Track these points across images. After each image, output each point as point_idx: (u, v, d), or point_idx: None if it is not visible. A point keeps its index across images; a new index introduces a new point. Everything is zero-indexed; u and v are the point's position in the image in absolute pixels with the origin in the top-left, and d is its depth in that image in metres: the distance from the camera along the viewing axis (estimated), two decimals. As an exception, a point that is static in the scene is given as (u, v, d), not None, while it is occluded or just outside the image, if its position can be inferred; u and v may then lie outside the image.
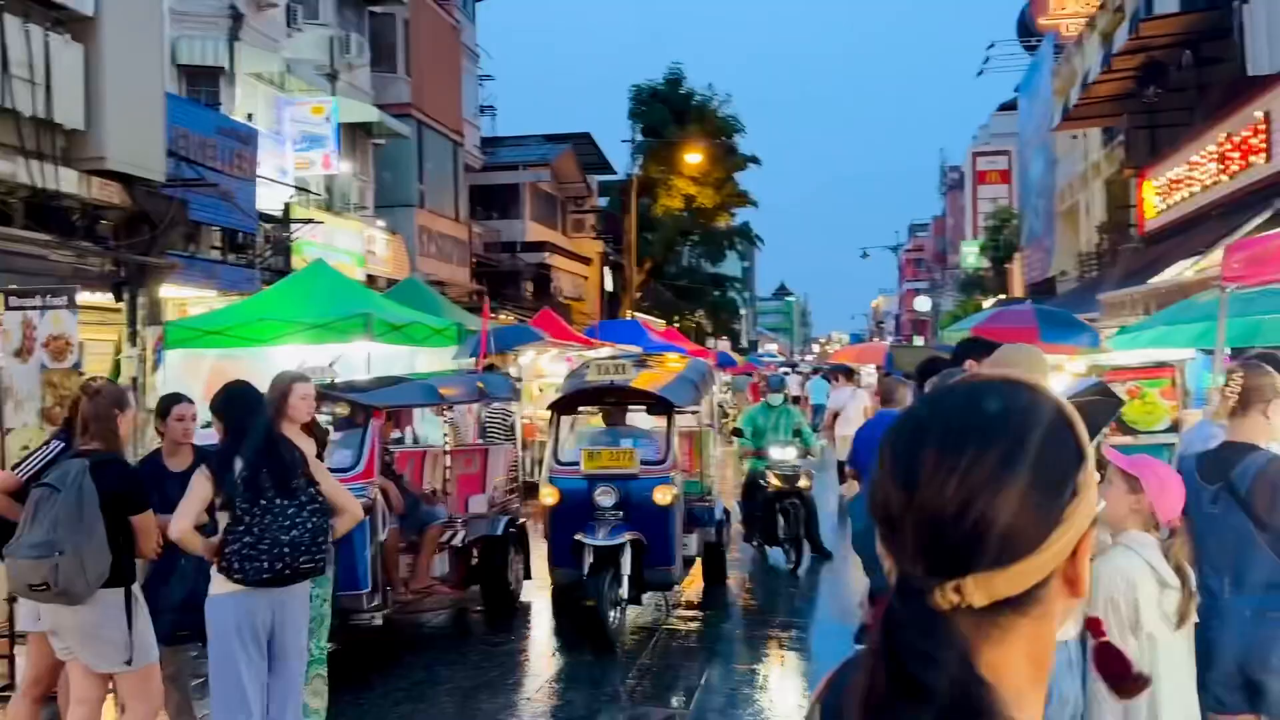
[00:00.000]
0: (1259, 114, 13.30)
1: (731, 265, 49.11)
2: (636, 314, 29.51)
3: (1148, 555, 3.09)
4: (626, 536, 6.95)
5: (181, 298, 15.18)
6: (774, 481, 9.60)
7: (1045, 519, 0.86)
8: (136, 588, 4.30)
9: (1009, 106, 44.78)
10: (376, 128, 22.56)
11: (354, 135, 22.28)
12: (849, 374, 17.11)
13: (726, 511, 9.14)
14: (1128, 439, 10.36)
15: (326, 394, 6.39)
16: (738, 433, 10.40)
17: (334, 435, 6.58)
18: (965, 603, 0.84)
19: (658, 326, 26.80)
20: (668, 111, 33.32)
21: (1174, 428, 9.93)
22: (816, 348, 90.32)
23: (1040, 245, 32.13)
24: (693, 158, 31.44)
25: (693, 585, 8.69)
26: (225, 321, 10.23)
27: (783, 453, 9.76)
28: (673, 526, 7.17)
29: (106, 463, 4.19)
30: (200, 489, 4.15)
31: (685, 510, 7.92)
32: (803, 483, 9.71)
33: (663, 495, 7.07)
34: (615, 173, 37.13)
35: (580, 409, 7.95)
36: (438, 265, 24.72)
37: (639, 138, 33.99)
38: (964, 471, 0.85)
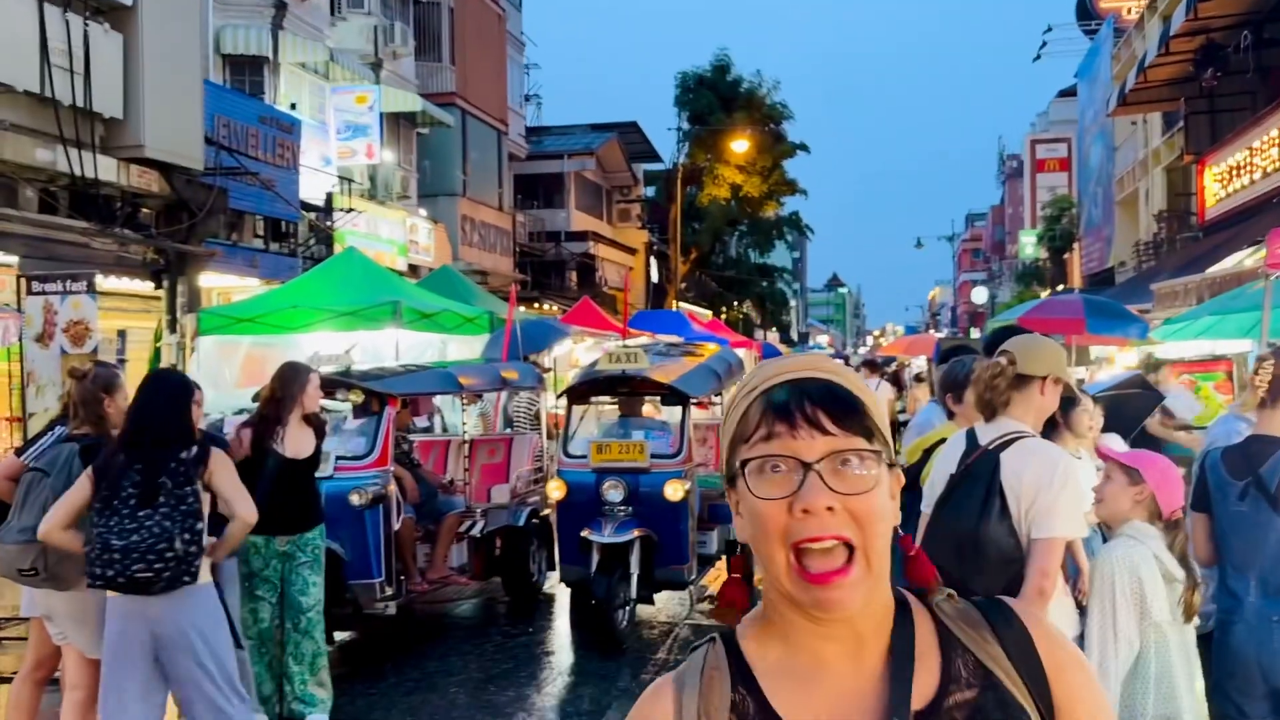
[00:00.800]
0: (1326, 96, 12.72)
1: (781, 256, 48.59)
2: (681, 304, 29.28)
3: (1153, 546, 2.94)
4: (635, 533, 6.69)
5: (224, 286, 15.32)
6: None
7: None
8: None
9: (1068, 93, 43.84)
10: (420, 116, 22.56)
11: (398, 124, 22.31)
12: (873, 367, 17.66)
13: None
14: (1182, 435, 9.97)
15: (341, 381, 6.31)
16: None
17: (350, 423, 6.52)
18: None
19: (703, 318, 26.55)
20: (715, 98, 32.97)
21: (1229, 423, 9.54)
22: (870, 340, 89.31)
23: (1099, 235, 31.35)
24: (739, 145, 31.08)
25: (718, 581, 8.50)
26: (257, 309, 10.25)
27: None
28: (685, 523, 6.88)
29: (96, 447, 4.12)
30: (79, 489, 3.89)
31: (705, 506, 7.67)
32: None
33: (674, 490, 6.78)
34: (662, 161, 36.88)
35: (594, 399, 7.69)
36: (481, 255, 24.72)
37: (685, 125, 33.71)
38: None
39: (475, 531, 7.38)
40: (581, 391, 7.44)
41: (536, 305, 25.29)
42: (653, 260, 35.33)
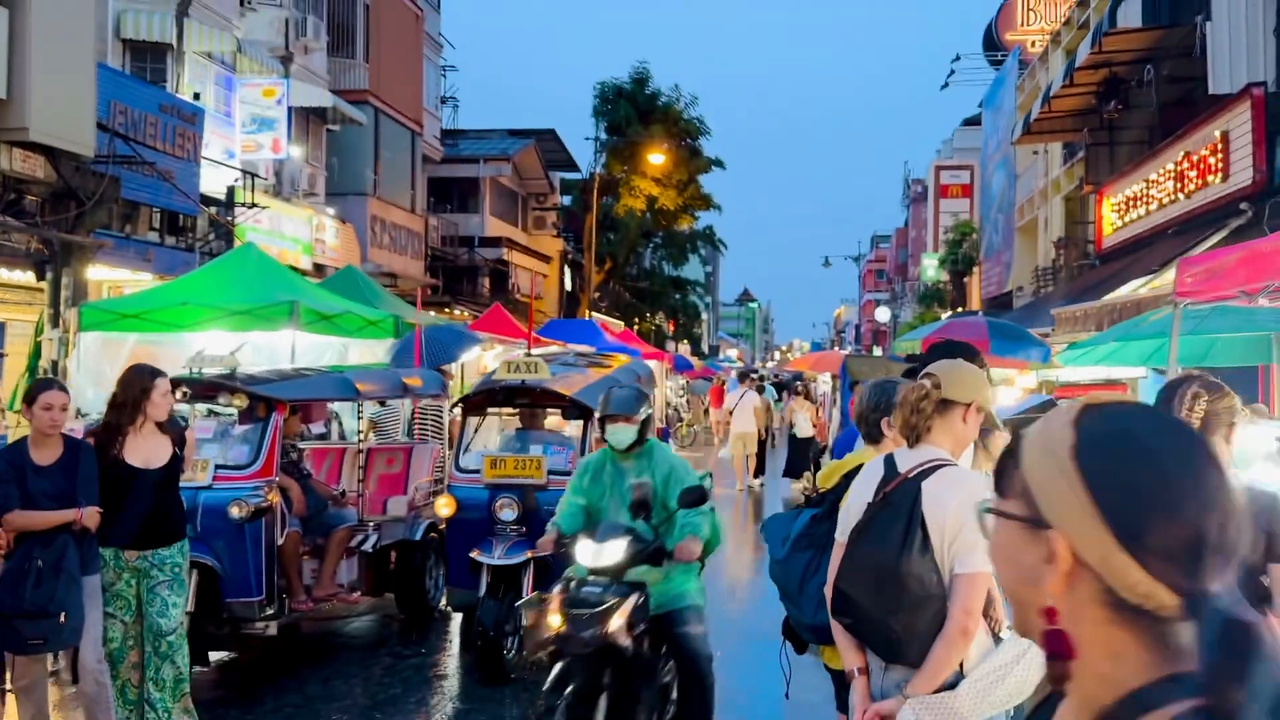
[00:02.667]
0: (1218, 133, 13.20)
1: (694, 269, 48.77)
2: (594, 314, 29.11)
3: None
4: (528, 555, 6.26)
5: (115, 280, 14.63)
6: (553, 624, 4.30)
7: None
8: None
9: (973, 121, 45.06)
10: (331, 113, 22.01)
11: (307, 120, 21.73)
12: (744, 377, 20.19)
13: None
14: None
15: (224, 384, 5.95)
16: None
17: (233, 430, 6.15)
18: None
19: (615, 328, 26.42)
20: (633, 110, 32.91)
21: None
22: (778, 355, 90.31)
23: (999, 259, 32.18)
24: (656, 158, 31.06)
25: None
26: (145, 305, 9.75)
27: (600, 553, 4.39)
28: None
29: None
30: None
31: None
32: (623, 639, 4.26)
33: None
34: (579, 170, 36.68)
35: (490, 410, 7.34)
36: (391, 257, 24.19)
37: (603, 135, 33.58)
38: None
39: (367, 546, 7.04)
40: (477, 402, 7.08)
41: (448, 311, 24.84)
42: (567, 269, 35.09)
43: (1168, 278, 13.10)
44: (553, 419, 8.01)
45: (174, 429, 4.82)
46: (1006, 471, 1.04)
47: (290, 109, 20.03)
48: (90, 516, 4.62)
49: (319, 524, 6.70)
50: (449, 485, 6.76)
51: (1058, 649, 1.00)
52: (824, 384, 29.03)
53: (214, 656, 6.24)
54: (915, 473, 2.82)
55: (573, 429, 7.37)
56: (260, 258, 10.44)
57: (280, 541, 6.00)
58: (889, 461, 2.92)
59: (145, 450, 4.78)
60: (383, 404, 9.11)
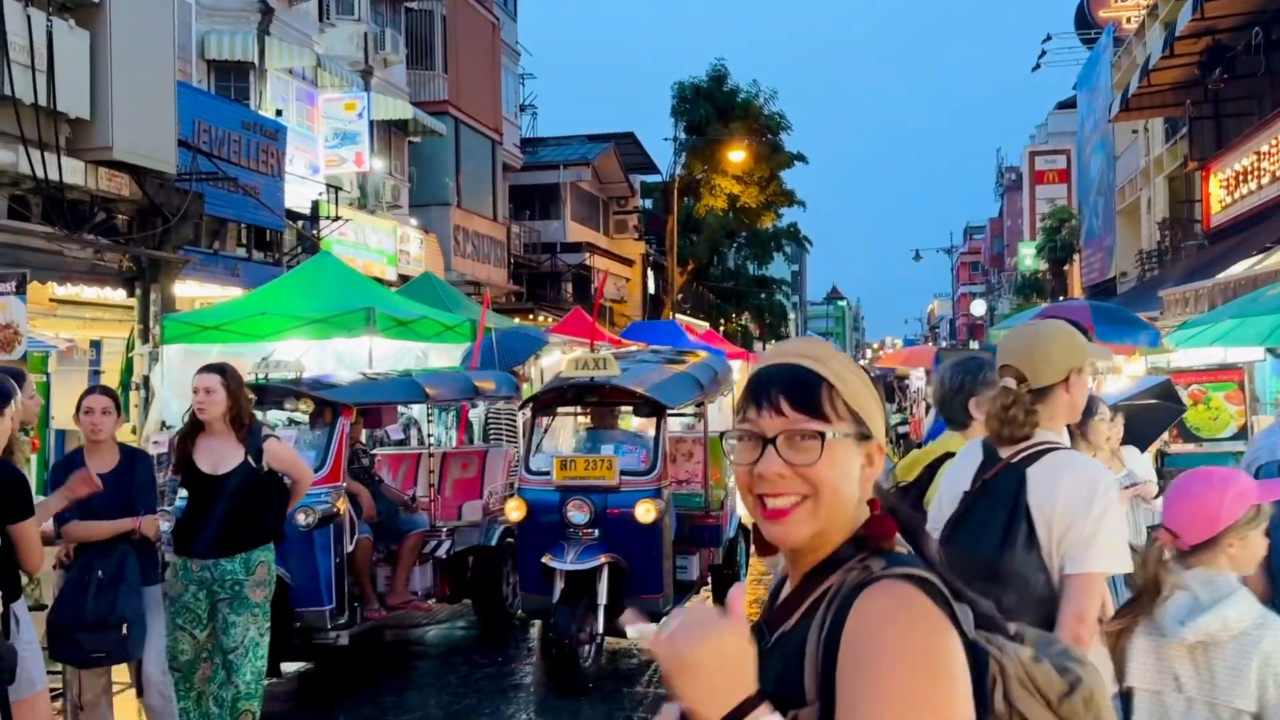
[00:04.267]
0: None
1: (779, 268, 48.13)
2: (678, 316, 28.84)
3: None
4: (602, 559, 6.06)
5: (205, 295, 14.89)
6: None
7: None
8: (18, 606, 3.75)
9: (1067, 105, 43.78)
10: (412, 125, 22.21)
11: (388, 132, 21.97)
12: None
13: (744, 529, 7.92)
14: (1191, 447, 9.45)
15: (290, 390, 5.84)
16: None
17: (300, 435, 6.04)
18: None
19: (699, 329, 26.10)
20: (711, 108, 32.54)
21: (1241, 434, 9.01)
22: (869, 352, 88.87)
23: (1100, 245, 30.96)
24: (736, 155, 30.64)
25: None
26: (225, 316, 9.81)
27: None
28: (658, 548, 6.24)
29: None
30: None
31: (685, 527, 7.06)
32: None
33: (646, 511, 6.13)
34: (659, 172, 36.48)
35: (560, 410, 7.01)
36: (474, 266, 24.30)
37: (682, 136, 33.31)
38: None
39: (441, 552, 6.87)
40: (545, 402, 6.82)
41: (531, 317, 24.86)
42: (650, 272, 34.90)
43: (1286, 253, 12.25)
44: (625, 418, 7.76)
45: (253, 440, 4.63)
46: (831, 398, 1.26)
47: (371, 122, 20.28)
48: (149, 525, 4.52)
49: (391, 530, 6.56)
50: (519, 488, 6.54)
51: (882, 531, 1.26)
52: (917, 379, 28.33)
53: (288, 668, 6.13)
54: (1019, 457, 2.46)
55: (645, 427, 7.09)
56: (337, 265, 10.44)
57: (350, 549, 5.87)
58: (988, 446, 2.56)
59: (215, 455, 4.66)
60: (480, 407, 8.92)
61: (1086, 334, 9.14)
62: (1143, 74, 16.41)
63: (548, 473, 6.39)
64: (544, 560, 6.09)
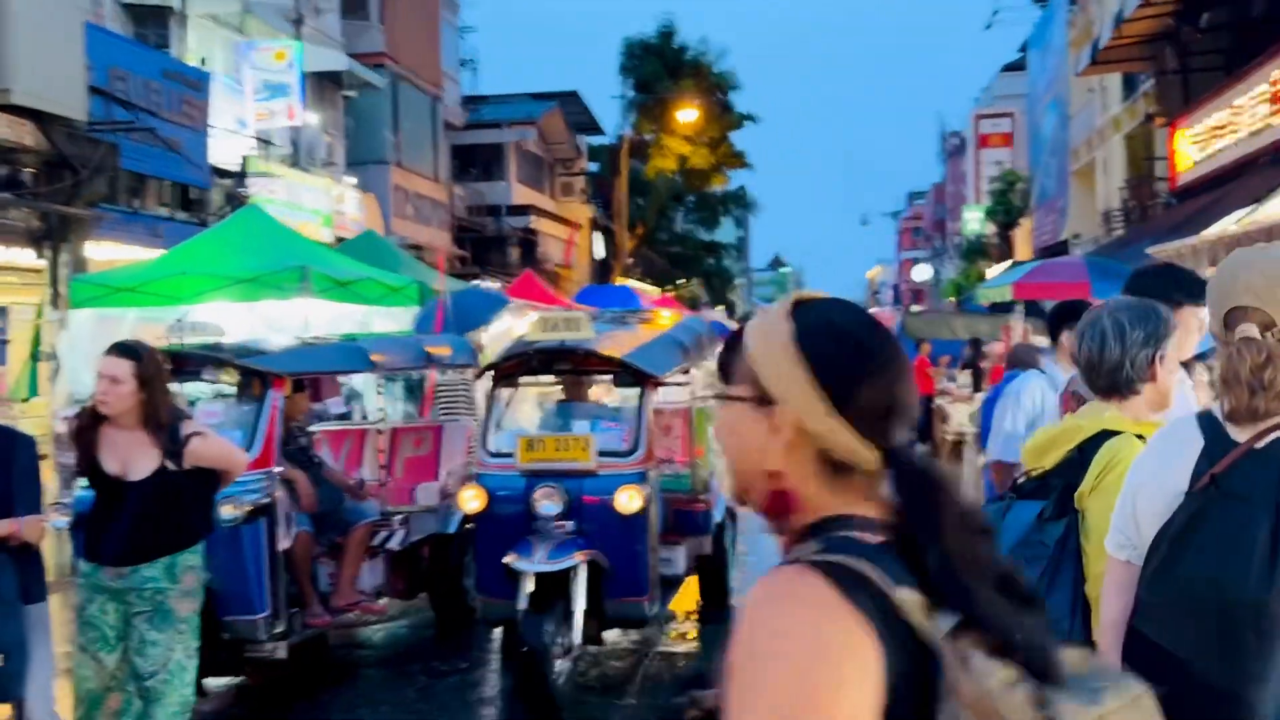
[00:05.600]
0: (1325, 45, 11.80)
1: (727, 233, 47.50)
2: (628, 281, 28.06)
3: None
4: (578, 557, 5.13)
5: (124, 258, 13.73)
6: None
7: None
8: None
9: (1013, 67, 43.68)
10: (347, 78, 21.13)
11: (322, 86, 20.82)
12: None
13: (731, 513, 7.02)
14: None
15: (207, 358, 4.91)
16: None
17: (227, 411, 5.11)
18: None
19: (651, 295, 25.37)
20: (660, 66, 31.57)
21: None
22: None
23: (1052, 207, 30.71)
24: (687, 114, 29.78)
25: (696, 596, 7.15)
26: (140, 277, 8.80)
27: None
28: (644, 542, 5.36)
29: None
30: None
31: (670, 514, 6.20)
32: None
33: (630, 499, 5.25)
34: (605, 133, 35.46)
35: (523, 380, 5.96)
36: (416, 228, 23.24)
37: (630, 94, 32.31)
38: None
39: (394, 543, 5.97)
40: (508, 370, 5.86)
41: (476, 282, 23.92)
42: (597, 236, 33.98)
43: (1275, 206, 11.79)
44: (600, 388, 6.92)
45: (172, 440, 3.68)
46: (730, 361, 1.21)
47: (303, 74, 19.14)
48: (32, 528, 3.61)
49: (335, 521, 5.64)
50: (476, 474, 5.58)
51: (781, 506, 1.17)
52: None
53: (215, 684, 5.23)
54: (1270, 441, 1.70)
55: (626, 399, 6.24)
56: (266, 220, 9.47)
57: (287, 545, 4.98)
58: (1209, 424, 1.79)
59: (122, 454, 3.75)
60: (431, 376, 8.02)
61: (1084, 291, 8.45)
62: (1115, 24, 15.85)
63: (510, 455, 5.49)
64: (507, 560, 5.13)
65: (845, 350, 1.12)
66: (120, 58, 13.78)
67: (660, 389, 6.04)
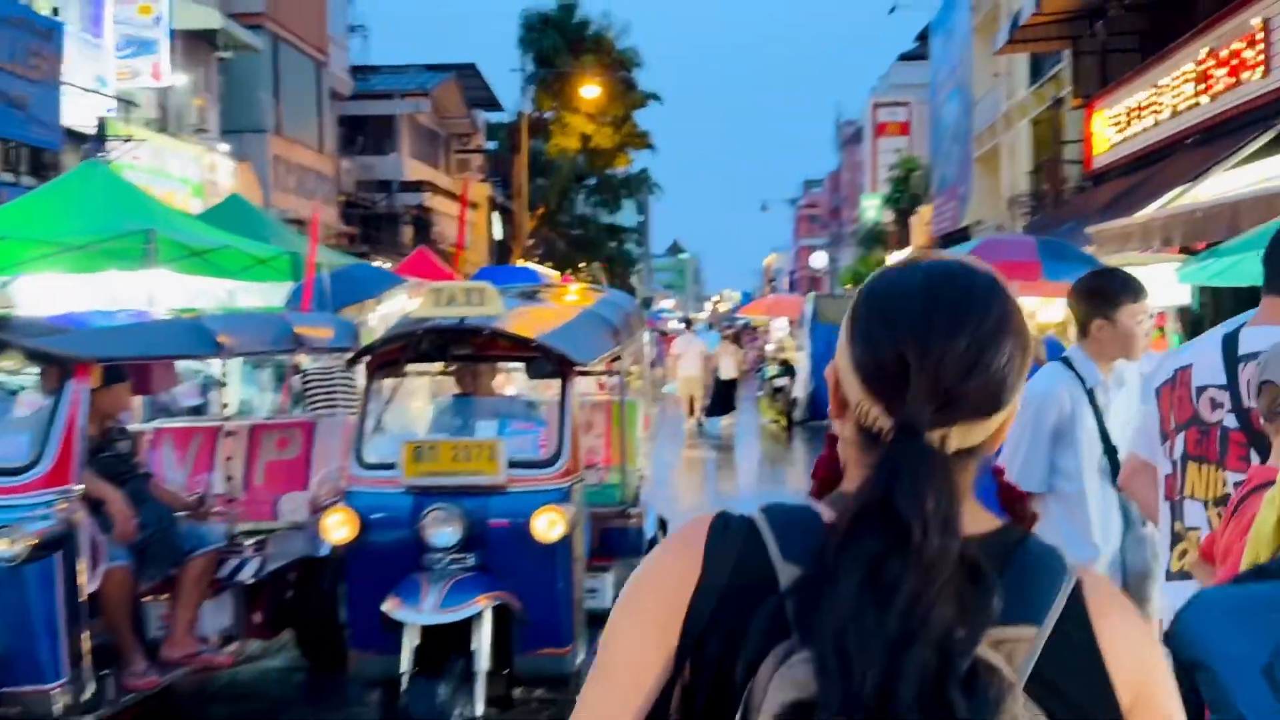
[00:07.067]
0: (1255, 21, 11.38)
1: (628, 216, 46.66)
2: (529, 264, 26.90)
3: None
4: (481, 601, 3.98)
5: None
6: None
7: (1014, 384, 1.05)
8: None
9: (910, 57, 44.20)
10: (222, 37, 19.54)
11: (194, 45, 19.20)
12: (689, 324, 23.86)
13: (663, 523, 5.92)
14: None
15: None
16: None
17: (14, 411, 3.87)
18: (944, 447, 1.02)
19: (554, 278, 24.29)
20: (561, 39, 30.34)
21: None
22: (709, 305, 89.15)
23: (953, 194, 30.73)
24: (589, 90, 28.68)
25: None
26: (-52, 243, 7.30)
27: None
28: (568, 577, 4.26)
29: None
30: None
31: (595, 534, 5.07)
32: None
33: (550, 524, 4.15)
34: (503, 110, 34.08)
35: (411, 368, 4.71)
36: (298, 201, 21.66)
37: (530, 68, 30.98)
38: (972, 335, 1.03)
39: (246, 575, 4.73)
40: (389, 356, 4.63)
41: (367, 261, 22.47)
42: (496, 216, 32.63)
43: (1211, 184, 11.37)
44: (506, 377, 5.84)
45: None
46: None
47: (173, 31, 17.68)
48: None
49: (164, 550, 4.35)
50: (346, 491, 4.33)
51: (824, 472, 1.15)
52: (778, 330, 27.40)
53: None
54: None
55: (544, 393, 5.13)
56: (109, 178, 8.11)
57: (95, 586, 3.76)
58: None
59: None
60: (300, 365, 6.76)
61: (1034, 272, 7.48)
62: (1037, 0, 15.39)
63: (393, 466, 4.30)
64: (387, 608, 3.94)
65: (872, 303, 1.08)
66: (-50, -2, 12.14)
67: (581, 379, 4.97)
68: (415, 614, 3.89)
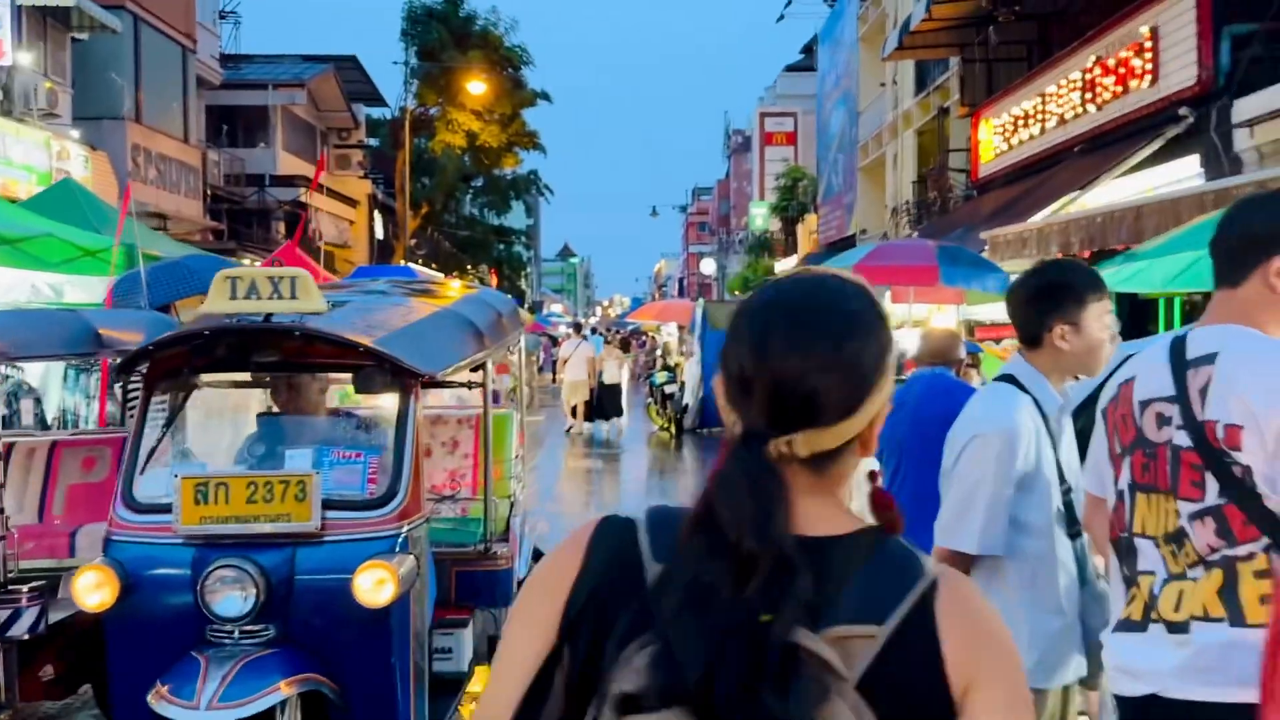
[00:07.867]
0: (1144, 29, 11.40)
1: (517, 218, 45.79)
2: (412, 266, 25.86)
3: None
4: (282, 689, 3.12)
5: None
6: None
7: (869, 390, 1.09)
8: None
9: (796, 68, 44.82)
10: (76, 16, 18.12)
11: (44, 22, 17.78)
12: (578, 328, 22.98)
13: (538, 555, 4.91)
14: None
15: None
16: None
17: None
18: (792, 454, 1.06)
19: (438, 278, 23.35)
20: (446, 33, 29.33)
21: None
22: (599, 310, 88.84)
23: (839, 203, 30.94)
24: (476, 87, 27.75)
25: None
26: None
27: None
28: (403, 650, 3.39)
29: None
30: None
31: (444, 580, 4.23)
32: None
33: (377, 584, 3.29)
34: (386, 105, 32.87)
35: (201, 380, 3.76)
36: (159, 195, 20.27)
37: (414, 62, 29.87)
38: (807, 346, 1.07)
39: (20, 629, 3.88)
40: (169, 364, 3.73)
41: (235, 259, 21.12)
42: (378, 215, 31.39)
43: (1105, 193, 11.31)
44: (326, 391, 4.93)
45: None
46: None
47: (19, 6, 16.30)
48: None
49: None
50: (107, 539, 3.42)
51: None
52: (668, 334, 27.03)
53: None
54: None
55: (376, 413, 4.19)
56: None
57: None
58: None
59: None
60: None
61: (932, 276, 6.99)
62: (927, 7, 15.29)
63: (167, 510, 3.38)
64: (152, 701, 3.09)
65: (733, 319, 1.14)
66: None
67: (433, 390, 4.24)
68: (187, 710, 2.99)
